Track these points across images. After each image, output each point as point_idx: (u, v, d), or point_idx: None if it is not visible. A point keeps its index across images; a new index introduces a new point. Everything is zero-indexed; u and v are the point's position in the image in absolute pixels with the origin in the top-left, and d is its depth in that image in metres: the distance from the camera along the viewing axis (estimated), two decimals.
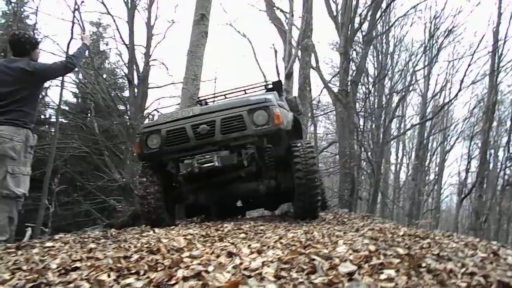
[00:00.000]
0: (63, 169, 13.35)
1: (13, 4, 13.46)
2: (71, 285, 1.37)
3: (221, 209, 6.17)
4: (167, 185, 4.81)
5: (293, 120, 4.80)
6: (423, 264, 1.96)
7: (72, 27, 11.09)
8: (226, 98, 6.72)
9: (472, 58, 14.97)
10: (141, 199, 4.65)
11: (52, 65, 3.78)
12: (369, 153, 16.15)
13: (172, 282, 1.50)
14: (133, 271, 1.64)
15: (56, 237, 3.80)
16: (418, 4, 15.26)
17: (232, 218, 5.30)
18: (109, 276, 1.54)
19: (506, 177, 16.87)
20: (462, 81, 15.16)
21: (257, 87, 6.58)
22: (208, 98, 6.93)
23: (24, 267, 1.79)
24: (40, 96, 15.90)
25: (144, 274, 1.61)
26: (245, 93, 6.55)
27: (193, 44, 7.14)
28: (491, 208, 15.80)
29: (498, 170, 18.11)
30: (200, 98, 6.88)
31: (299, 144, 4.51)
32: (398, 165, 22.87)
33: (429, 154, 21.89)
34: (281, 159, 4.71)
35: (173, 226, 4.30)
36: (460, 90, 15.31)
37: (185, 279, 1.50)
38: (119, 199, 12.71)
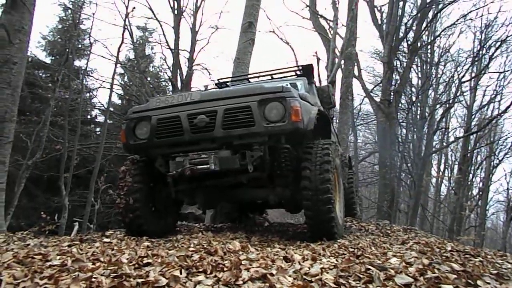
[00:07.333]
0: (108, 168, 13.93)
1: (69, 11, 14.33)
2: (151, 279, 1.48)
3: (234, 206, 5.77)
4: (156, 184, 3.97)
5: (319, 116, 3.88)
6: (480, 283, 1.95)
7: (123, 32, 11.72)
8: (249, 82, 5.88)
9: None
10: (118, 198, 3.79)
11: None
12: (410, 165, 15.76)
13: (239, 282, 1.58)
14: (200, 270, 1.75)
15: (107, 233, 4.00)
16: (469, 12, 14.79)
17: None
18: (181, 272, 1.66)
19: None
20: None
21: (286, 71, 5.61)
22: (230, 81, 6.02)
23: (101, 259, 1.95)
24: (87, 96, 16.41)
25: (211, 273, 1.71)
26: (272, 78, 5.66)
27: (240, 51, 7.33)
28: None
29: None
30: (221, 80, 5.95)
31: (313, 145, 3.68)
32: (440, 178, 22.09)
33: (473, 168, 21.03)
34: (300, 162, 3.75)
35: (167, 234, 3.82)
36: None
37: (252, 280, 1.59)
38: None
